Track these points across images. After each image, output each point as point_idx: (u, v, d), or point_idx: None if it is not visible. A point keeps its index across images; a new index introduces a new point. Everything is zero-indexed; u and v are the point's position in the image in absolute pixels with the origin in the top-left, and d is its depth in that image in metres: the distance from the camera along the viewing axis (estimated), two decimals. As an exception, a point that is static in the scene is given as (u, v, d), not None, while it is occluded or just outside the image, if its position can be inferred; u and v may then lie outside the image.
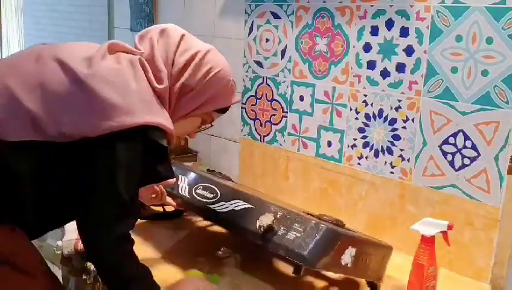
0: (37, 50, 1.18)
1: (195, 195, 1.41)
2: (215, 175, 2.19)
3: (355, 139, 1.79)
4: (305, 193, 1.96)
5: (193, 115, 1.28)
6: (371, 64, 1.72)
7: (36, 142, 1.07)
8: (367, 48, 1.72)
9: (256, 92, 2.12)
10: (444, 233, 1.28)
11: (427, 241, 1.27)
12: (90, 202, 1.10)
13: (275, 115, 2.06)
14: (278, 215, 1.21)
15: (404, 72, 1.63)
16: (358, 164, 1.79)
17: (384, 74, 1.68)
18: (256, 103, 2.13)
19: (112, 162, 1.08)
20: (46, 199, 1.13)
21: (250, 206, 1.29)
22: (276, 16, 1.99)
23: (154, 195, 1.53)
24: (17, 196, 1.09)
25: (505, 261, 1.46)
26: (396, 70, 1.65)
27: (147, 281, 1.17)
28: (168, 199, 1.57)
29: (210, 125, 1.38)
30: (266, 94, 2.08)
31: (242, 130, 2.21)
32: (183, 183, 1.46)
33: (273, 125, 2.07)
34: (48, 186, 1.11)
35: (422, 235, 1.27)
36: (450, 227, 1.27)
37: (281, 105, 2.02)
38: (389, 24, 1.65)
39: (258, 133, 2.14)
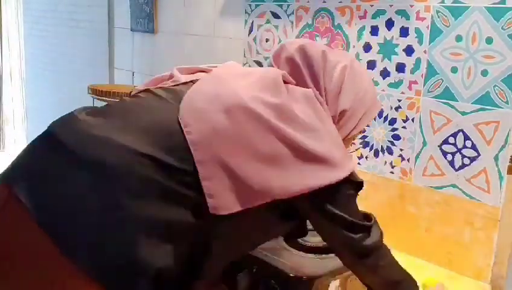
0: (219, 97, 1.01)
1: None
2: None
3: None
4: (305, 193, 1.96)
5: (350, 136, 1.18)
6: (371, 64, 1.72)
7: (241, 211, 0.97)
8: (367, 48, 1.72)
9: (256, 92, 2.12)
10: None
11: None
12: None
13: (275, 115, 2.05)
14: (254, 270, 1.23)
15: (404, 72, 1.63)
16: (358, 163, 1.79)
17: (384, 73, 1.68)
18: (256, 102, 2.13)
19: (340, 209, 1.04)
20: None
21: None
22: (276, 16, 1.99)
23: None
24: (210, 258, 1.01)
25: (505, 261, 1.46)
26: (396, 70, 1.65)
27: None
28: None
29: (361, 146, 1.29)
30: (266, 94, 2.08)
31: (242, 130, 2.21)
32: None
33: (273, 125, 2.07)
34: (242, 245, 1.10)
35: None
36: None
37: (281, 105, 2.02)
38: (389, 24, 1.65)
39: (258, 133, 2.13)
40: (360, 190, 1.08)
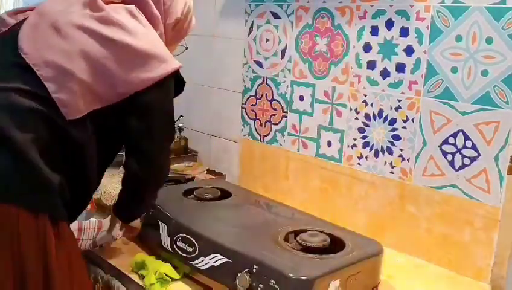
0: (46, 22, 1.23)
1: (176, 249, 1.43)
2: (212, 179, 2.19)
3: (355, 139, 1.79)
4: (305, 193, 1.96)
5: (177, 43, 1.51)
6: (371, 64, 1.72)
7: (95, 110, 1.20)
8: (367, 48, 1.72)
9: (256, 92, 2.12)
10: None
11: None
12: (151, 144, 1.30)
13: (275, 115, 2.06)
14: (254, 270, 1.23)
15: (404, 72, 1.63)
16: (358, 164, 1.79)
17: (384, 74, 1.68)
18: (256, 103, 2.13)
19: (165, 106, 1.31)
20: (106, 154, 1.31)
21: (228, 260, 1.30)
22: (276, 16, 1.99)
23: None
24: (85, 158, 1.23)
25: (505, 261, 1.46)
26: (396, 70, 1.65)
27: None
28: None
29: (185, 47, 1.60)
30: (266, 94, 2.08)
31: (242, 130, 2.21)
32: (164, 233, 1.49)
33: (273, 125, 2.07)
34: (108, 143, 1.30)
35: None
36: None
37: (281, 105, 2.02)
38: (389, 24, 1.65)
39: (258, 133, 2.14)
40: (181, 91, 1.37)
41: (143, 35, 1.26)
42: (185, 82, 1.38)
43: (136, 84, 1.22)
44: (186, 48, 1.59)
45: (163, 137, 1.34)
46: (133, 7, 1.30)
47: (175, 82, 1.34)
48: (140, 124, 1.27)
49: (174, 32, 1.44)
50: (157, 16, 1.35)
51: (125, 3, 1.31)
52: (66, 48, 1.19)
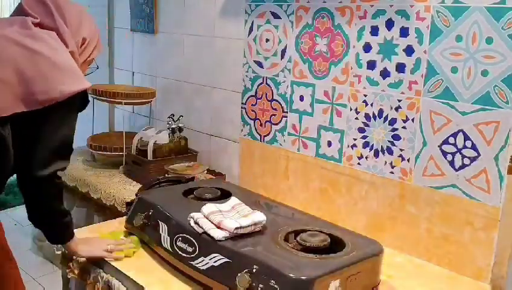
0: None
1: (176, 249, 1.43)
2: (212, 180, 2.19)
3: (355, 139, 1.79)
4: (305, 193, 1.96)
5: (87, 61, 1.60)
6: (371, 64, 1.72)
7: (18, 114, 1.32)
8: (367, 48, 1.72)
9: (256, 92, 2.12)
10: None
11: None
12: (43, 155, 1.37)
13: (275, 115, 2.06)
14: (254, 270, 1.23)
15: (404, 72, 1.63)
16: (358, 164, 1.79)
17: (384, 74, 1.68)
18: (256, 103, 2.13)
19: (62, 121, 1.39)
20: (15, 159, 1.38)
21: (228, 260, 1.30)
22: (276, 16, 1.99)
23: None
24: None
25: (505, 261, 1.46)
26: (396, 70, 1.65)
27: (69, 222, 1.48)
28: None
29: (96, 67, 1.72)
30: (266, 94, 2.08)
31: (242, 130, 2.21)
32: (164, 233, 1.48)
33: (273, 125, 2.07)
34: (16, 148, 1.37)
35: None
36: None
37: (281, 105, 2.02)
38: (389, 24, 1.65)
39: (258, 133, 2.14)
40: (82, 109, 1.47)
41: (62, 52, 1.42)
42: (89, 101, 1.50)
43: (55, 95, 1.35)
44: (97, 68, 1.74)
45: (52, 152, 1.38)
46: (52, 33, 1.45)
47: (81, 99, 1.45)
48: (35, 133, 1.37)
49: (83, 51, 1.56)
50: (67, 33, 1.48)
51: (42, 27, 1.45)
52: None
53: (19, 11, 1.49)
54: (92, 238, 1.58)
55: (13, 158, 1.36)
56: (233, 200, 1.51)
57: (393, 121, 1.68)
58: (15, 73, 1.33)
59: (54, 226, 1.48)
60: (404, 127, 1.65)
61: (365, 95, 1.74)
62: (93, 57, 1.62)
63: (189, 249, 1.39)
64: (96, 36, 1.61)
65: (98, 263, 1.52)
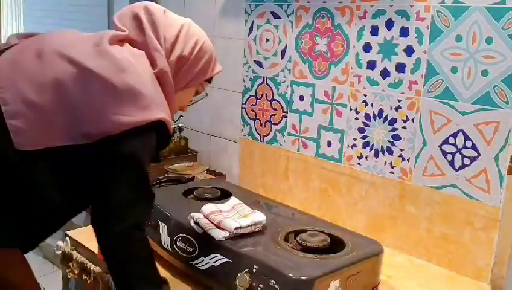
0: (34, 45, 1.15)
1: (176, 249, 1.43)
2: (212, 180, 2.19)
3: (355, 139, 1.79)
4: (305, 193, 1.97)
5: (189, 86, 1.32)
6: (371, 64, 1.72)
7: (54, 149, 1.06)
8: (367, 48, 1.72)
9: (256, 92, 2.12)
10: None
11: None
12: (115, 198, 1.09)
13: (275, 115, 2.06)
14: (254, 270, 1.23)
15: (404, 72, 1.63)
16: (358, 164, 1.79)
17: (384, 74, 1.68)
18: (256, 103, 2.13)
19: (137, 158, 1.09)
20: (68, 201, 1.13)
21: (228, 260, 1.30)
22: (276, 16, 1.99)
23: None
24: (37, 197, 1.09)
25: (505, 261, 1.46)
26: (396, 70, 1.65)
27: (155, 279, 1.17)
28: None
29: (205, 94, 1.44)
30: (266, 94, 2.08)
31: (242, 130, 2.21)
32: (164, 233, 1.49)
33: (273, 125, 2.07)
34: (69, 189, 1.12)
35: None
36: None
37: (281, 105, 2.02)
38: (389, 24, 1.65)
39: (258, 133, 2.14)
40: (163, 147, 1.20)
41: (133, 73, 1.11)
42: (170, 136, 1.20)
43: (105, 126, 1.06)
44: (206, 95, 1.45)
45: (131, 194, 1.10)
46: (134, 49, 1.20)
47: (159, 136, 1.15)
48: (105, 175, 1.08)
49: (182, 73, 1.27)
50: (158, 49, 1.21)
51: (130, 43, 1.22)
52: (39, 74, 1.08)
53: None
54: None
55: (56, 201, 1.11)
56: (233, 200, 1.51)
57: (393, 121, 1.68)
58: (55, 97, 1.07)
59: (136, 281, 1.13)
60: (404, 127, 1.65)
61: (365, 95, 1.74)
62: (198, 81, 1.32)
63: (189, 249, 1.39)
64: (204, 55, 1.31)
65: (98, 263, 1.52)
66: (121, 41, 1.20)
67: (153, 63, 1.20)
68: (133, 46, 1.21)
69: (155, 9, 1.27)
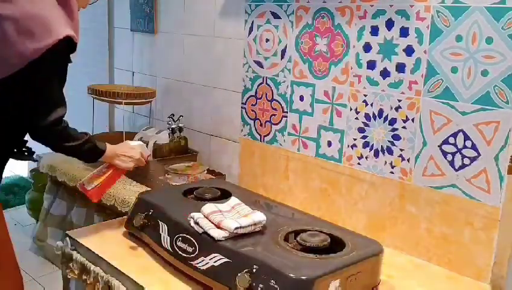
0: None
1: (176, 249, 1.43)
2: (212, 180, 2.19)
3: (355, 139, 1.79)
4: (305, 193, 1.97)
5: None
6: (371, 64, 1.72)
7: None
8: (367, 48, 1.72)
9: (256, 92, 2.12)
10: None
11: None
12: (40, 109, 1.44)
13: (275, 115, 2.06)
14: (254, 270, 1.23)
15: (404, 72, 1.63)
16: (358, 164, 1.79)
17: (384, 74, 1.68)
18: (256, 103, 2.13)
19: (49, 75, 1.44)
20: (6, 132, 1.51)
21: (228, 260, 1.30)
22: (276, 16, 1.99)
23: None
24: None
25: (505, 261, 1.46)
26: (396, 70, 1.65)
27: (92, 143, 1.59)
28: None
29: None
30: (266, 94, 2.08)
31: (242, 130, 2.21)
32: (164, 233, 1.49)
33: (273, 125, 2.07)
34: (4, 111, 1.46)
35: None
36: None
37: (281, 105, 2.02)
38: (389, 24, 1.65)
39: (258, 133, 2.14)
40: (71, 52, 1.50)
41: (32, 6, 1.41)
42: (74, 46, 1.51)
43: (14, 62, 1.38)
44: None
45: (47, 103, 1.47)
46: None
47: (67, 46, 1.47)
48: (28, 89, 1.43)
49: None
50: None
51: None
52: None
53: None
54: (122, 146, 1.71)
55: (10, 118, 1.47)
56: (233, 200, 1.51)
57: (393, 121, 1.68)
58: None
59: (79, 155, 1.62)
60: (404, 127, 1.65)
61: (365, 95, 1.74)
62: None
63: (189, 249, 1.39)
64: None
65: (98, 263, 1.52)
66: None
67: None
68: None
69: None
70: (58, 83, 1.50)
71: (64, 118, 1.50)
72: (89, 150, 1.58)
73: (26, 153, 1.71)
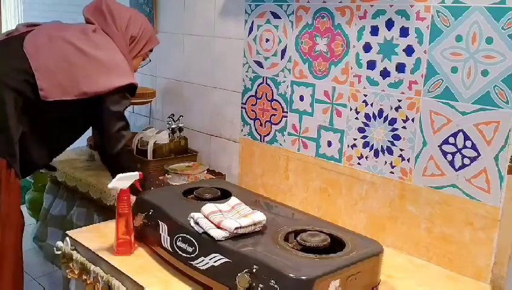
0: (43, 33, 1.83)
1: (176, 249, 1.43)
2: (213, 179, 2.19)
3: (355, 139, 1.79)
4: (305, 193, 1.96)
5: (139, 56, 2.01)
6: (371, 64, 1.72)
7: (64, 101, 1.74)
8: (367, 48, 1.72)
9: (256, 92, 2.12)
10: (136, 181, 1.60)
11: (125, 193, 1.52)
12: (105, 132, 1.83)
13: (275, 115, 2.06)
14: (254, 270, 1.23)
15: (404, 72, 1.63)
16: (358, 164, 1.79)
17: (384, 74, 1.68)
18: (256, 103, 2.13)
19: (117, 108, 1.81)
20: (70, 134, 1.93)
21: (228, 260, 1.30)
22: (276, 16, 1.99)
23: None
24: (47, 130, 1.82)
25: (505, 261, 1.46)
26: (396, 70, 1.65)
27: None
28: None
29: (149, 60, 2.13)
30: (266, 94, 2.08)
31: (242, 130, 2.21)
32: (164, 233, 1.49)
33: (273, 125, 2.07)
34: (71, 126, 1.89)
35: (120, 189, 1.52)
36: (141, 175, 1.58)
37: (281, 105, 2.02)
38: (389, 24, 1.65)
39: (258, 133, 2.14)
40: (132, 94, 1.88)
41: (112, 54, 1.83)
42: (135, 90, 1.89)
43: (96, 87, 1.76)
44: (150, 61, 2.14)
45: (112, 124, 1.81)
46: (107, 37, 1.87)
47: (130, 90, 1.86)
48: (97, 113, 1.80)
49: (132, 48, 1.95)
50: (117, 33, 1.89)
51: (100, 31, 1.88)
52: (53, 52, 1.76)
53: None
54: None
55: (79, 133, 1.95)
56: (233, 200, 1.51)
57: (393, 121, 1.68)
58: (64, 67, 1.74)
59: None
60: (404, 127, 1.65)
61: (365, 95, 1.74)
62: (144, 51, 2.01)
63: (189, 249, 1.39)
64: (146, 34, 1.98)
65: (98, 263, 1.52)
66: (94, 30, 1.86)
67: (115, 42, 1.88)
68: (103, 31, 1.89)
69: (111, 3, 1.93)
70: (123, 114, 1.86)
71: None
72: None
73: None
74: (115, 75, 1.78)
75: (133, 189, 1.59)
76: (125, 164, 1.82)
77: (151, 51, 2.08)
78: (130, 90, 1.84)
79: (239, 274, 1.23)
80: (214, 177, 2.25)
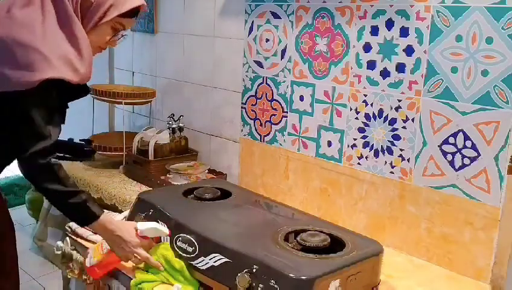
0: None
1: (176, 249, 1.43)
2: (213, 179, 2.19)
3: (355, 139, 1.79)
4: (305, 193, 1.97)
5: (101, 25, 1.39)
6: (371, 64, 1.72)
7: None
8: (367, 48, 1.72)
9: (256, 92, 2.12)
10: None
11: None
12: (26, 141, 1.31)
13: (275, 115, 2.06)
14: (254, 270, 1.23)
15: (404, 72, 1.63)
16: (358, 163, 1.79)
17: (384, 74, 1.68)
18: (256, 102, 2.13)
19: (37, 108, 1.29)
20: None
21: (228, 260, 1.30)
22: (276, 16, 1.99)
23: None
24: None
25: (505, 261, 1.46)
26: (396, 70, 1.65)
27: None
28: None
29: (125, 33, 1.46)
30: (266, 94, 2.08)
31: (242, 130, 2.21)
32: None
33: (273, 125, 2.07)
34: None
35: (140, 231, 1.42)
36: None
37: (281, 105, 2.03)
38: (389, 24, 1.65)
39: (258, 133, 2.14)
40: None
41: (42, 38, 1.28)
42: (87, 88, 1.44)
43: (12, 84, 1.27)
44: (126, 34, 1.48)
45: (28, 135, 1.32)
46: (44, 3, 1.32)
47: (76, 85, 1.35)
48: (15, 116, 1.32)
49: (89, 14, 1.37)
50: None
51: None
52: None
53: None
54: (126, 231, 1.41)
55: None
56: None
57: (393, 121, 1.68)
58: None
59: (63, 207, 1.37)
60: (404, 127, 1.65)
61: (365, 95, 1.74)
62: (110, 18, 1.38)
63: (189, 249, 1.39)
64: None
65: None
66: (30, 2, 1.31)
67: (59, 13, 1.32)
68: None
69: None
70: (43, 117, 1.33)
71: (54, 157, 1.33)
72: (76, 206, 1.35)
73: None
74: (19, 66, 1.28)
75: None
76: (41, 179, 1.35)
77: (130, 16, 1.43)
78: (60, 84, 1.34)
79: (239, 274, 1.23)
80: (215, 176, 2.25)
